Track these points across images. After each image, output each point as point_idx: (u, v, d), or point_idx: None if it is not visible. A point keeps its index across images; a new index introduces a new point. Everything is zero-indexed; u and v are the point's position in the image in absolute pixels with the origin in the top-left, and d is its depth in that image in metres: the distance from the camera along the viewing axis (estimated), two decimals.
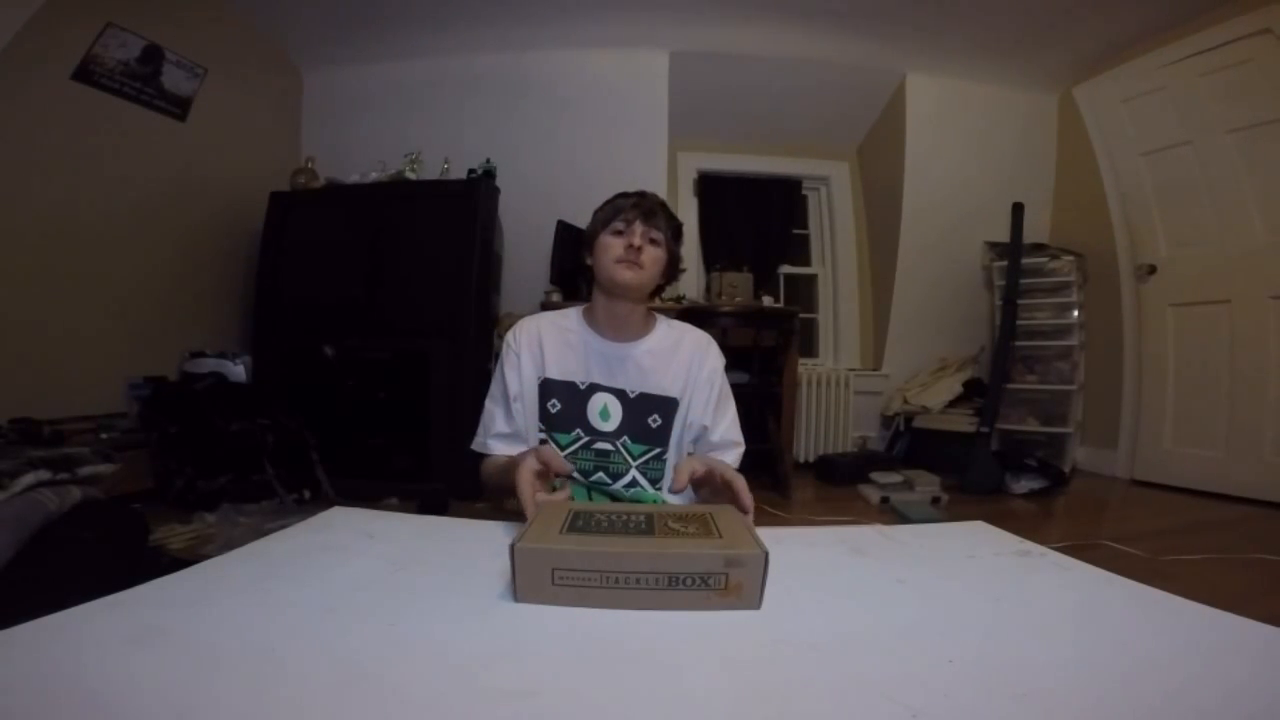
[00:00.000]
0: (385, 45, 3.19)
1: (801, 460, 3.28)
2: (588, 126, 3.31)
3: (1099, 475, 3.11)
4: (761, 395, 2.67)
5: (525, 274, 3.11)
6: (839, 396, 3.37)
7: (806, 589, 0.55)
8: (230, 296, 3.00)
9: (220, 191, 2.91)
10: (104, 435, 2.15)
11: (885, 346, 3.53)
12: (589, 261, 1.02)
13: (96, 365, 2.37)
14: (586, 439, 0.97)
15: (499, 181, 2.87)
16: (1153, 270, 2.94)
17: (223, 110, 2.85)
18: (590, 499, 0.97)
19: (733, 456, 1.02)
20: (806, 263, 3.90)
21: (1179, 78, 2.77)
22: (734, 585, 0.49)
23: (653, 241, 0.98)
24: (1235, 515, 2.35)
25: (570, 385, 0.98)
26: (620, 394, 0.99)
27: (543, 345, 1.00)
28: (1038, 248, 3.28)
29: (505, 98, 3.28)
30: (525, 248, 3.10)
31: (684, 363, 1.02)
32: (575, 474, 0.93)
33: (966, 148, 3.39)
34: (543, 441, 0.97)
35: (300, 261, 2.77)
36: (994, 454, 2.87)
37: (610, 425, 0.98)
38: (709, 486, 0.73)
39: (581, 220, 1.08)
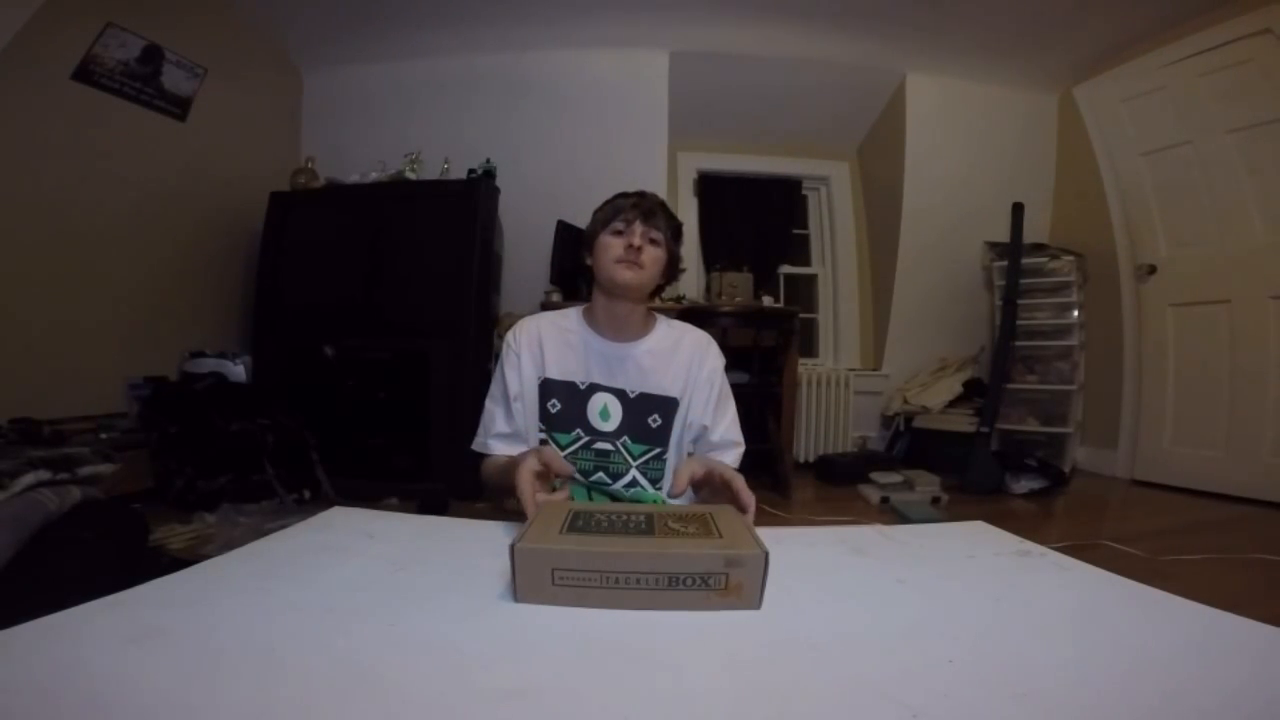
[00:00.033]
0: (385, 45, 3.19)
1: (801, 460, 3.28)
2: (588, 126, 3.31)
3: (1099, 475, 3.11)
4: (761, 395, 2.67)
5: (525, 274, 3.11)
6: (839, 396, 3.36)
7: (806, 589, 0.55)
8: (230, 296, 3.00)
9: (220, 191, 2.91)
10: (104, 435, 2.15)
11: (885, 346, 3.53)
12: (589, 262, 1.02)
13: (96, 365, 2.37)
14: (586, 439, 0.97)
15: (499, 181, 2.87)
16: (1153, 270, 2.94)
17: (223, 110, 2.85)
18: (590, 499, 0.97)
19: (733, 456, 1.02)
20: (806, 263, 3.90)
21: (1179, 78, 2.77)
22: (734, 585, 0.49)
23: (652, 241, 0.98)
24: (1235, 515, 2.35)
25: (570, 385, 0.98)
26: (620, 394, 0.99)
27: (543, 345, 1.00)
28: (1038, 248, 3.28)
29: (505, 98, 3.28)
30: (525, 248, 3.10)
31: (684, 363, 1.02)
32: (576, 474, 0.93)
33: (966, 148, 3.39)
34: (543, 442, 0.97)
35: (300, 261, 2.77)
36: (994, 454, 2.87)
37: (610, 425, 0.98)
38: (708, 487, 0.73)
39: (581, 220, 1.08)
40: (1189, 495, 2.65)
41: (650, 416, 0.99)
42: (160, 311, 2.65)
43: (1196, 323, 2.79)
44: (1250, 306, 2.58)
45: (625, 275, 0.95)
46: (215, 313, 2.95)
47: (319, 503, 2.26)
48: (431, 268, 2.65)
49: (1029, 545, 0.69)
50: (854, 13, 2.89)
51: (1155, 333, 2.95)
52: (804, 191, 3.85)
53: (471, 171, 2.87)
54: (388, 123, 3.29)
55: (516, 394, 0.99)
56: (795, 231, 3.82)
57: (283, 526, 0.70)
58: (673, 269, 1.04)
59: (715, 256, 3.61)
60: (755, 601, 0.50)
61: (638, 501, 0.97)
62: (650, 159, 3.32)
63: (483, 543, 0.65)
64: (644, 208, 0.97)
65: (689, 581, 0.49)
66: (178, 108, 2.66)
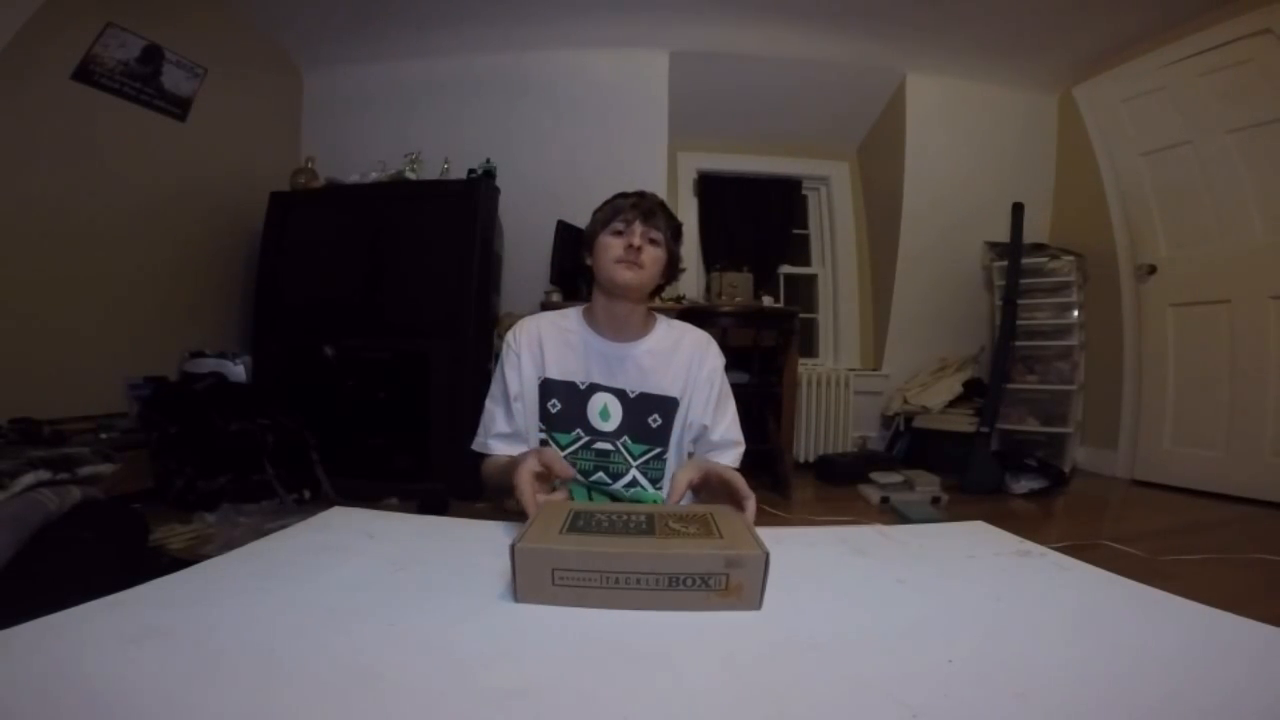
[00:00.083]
0: (385, 45, 3.19)
1: (801, 460, 3.28)
2: (588, 126, 3.31)
3: (1099, 475, 3.11)
4: (761, 395, 2.67)
5: (525, 274, 3.11)
6: (839, 396, 3.36)
7: (806, 589, 0.55)
8: (230, 296, 3.00)
9: (220, 191, 2.91)
10: (104, 435, 2.15)
11: (885, 346, 3.53)
12: (589, 262, 1.02)
13: (96, 365, 2.37)
14: (587, 439, 0.97)
15: (499, 181, 2.87)
16: (1153, 270, 2.94)
17: (223, 110, 2.85)
18: (590, 499, 0.97)
19: (733, 456, 1.02)
20: (806, 263, 3.90)
21: (1179, 78, 2.77)
22: (734, 585, 0.49)
23: (652, 241, 0.98)
24: (1235, 515, 2.35)
25: (570, 385, 0.98)
26: (620, 394, 0.99)
27: (543, 345, 1.00)
28: (1038, 248, 3.28)
29: (505, 98, 3.28)
30: (525, 248, 3.10)
31: (684, 362, 1.02)
32: (576, 476, 0.93)
33: (966, 148, 3.39)
34: (543, 442, 0.97)
35: (300, 261, 2.77)
36: (994, 454, 2.87)
37: (610, 425, 0.98)
38: (707, 489, 0.73)
39: (581, 220, 1.08)
40: (1189, 495, 2.65)
41: (650, 416, 0.99)
42: (160, 311, 2.65)
43: (1196, 323, 2.78)
44: (1250, 306, 2.58)
45: (625, 275, 0.95)
46: (215, 313, 2.95)
47: (319, 503, 2.26)
48: (431, 268, 2.65)
49: (1029, 545, 0.69)
50: (854, 13, 2.89)
51: (1155, 333, 2.95)
52: (804, 191, 3.85)
53: (471, 171, 2.87)
54: (388, 123, 3.29)
55: (516, 394, 0.99)
56: (795, 231, 3.82)
57: (283, 526, 0.70)
58: (673, 269, 1.04)
59: (715, 256, 3.61)
60: (756, 602, 0.50)
61: (638, 501, 0.97)
62: (650, 159, 3.32)
63: (483, 543, 0.65)
64: (644, 208, 0.97)
65: (689, 582, 0.49)
66: (178, 108, 2.66)
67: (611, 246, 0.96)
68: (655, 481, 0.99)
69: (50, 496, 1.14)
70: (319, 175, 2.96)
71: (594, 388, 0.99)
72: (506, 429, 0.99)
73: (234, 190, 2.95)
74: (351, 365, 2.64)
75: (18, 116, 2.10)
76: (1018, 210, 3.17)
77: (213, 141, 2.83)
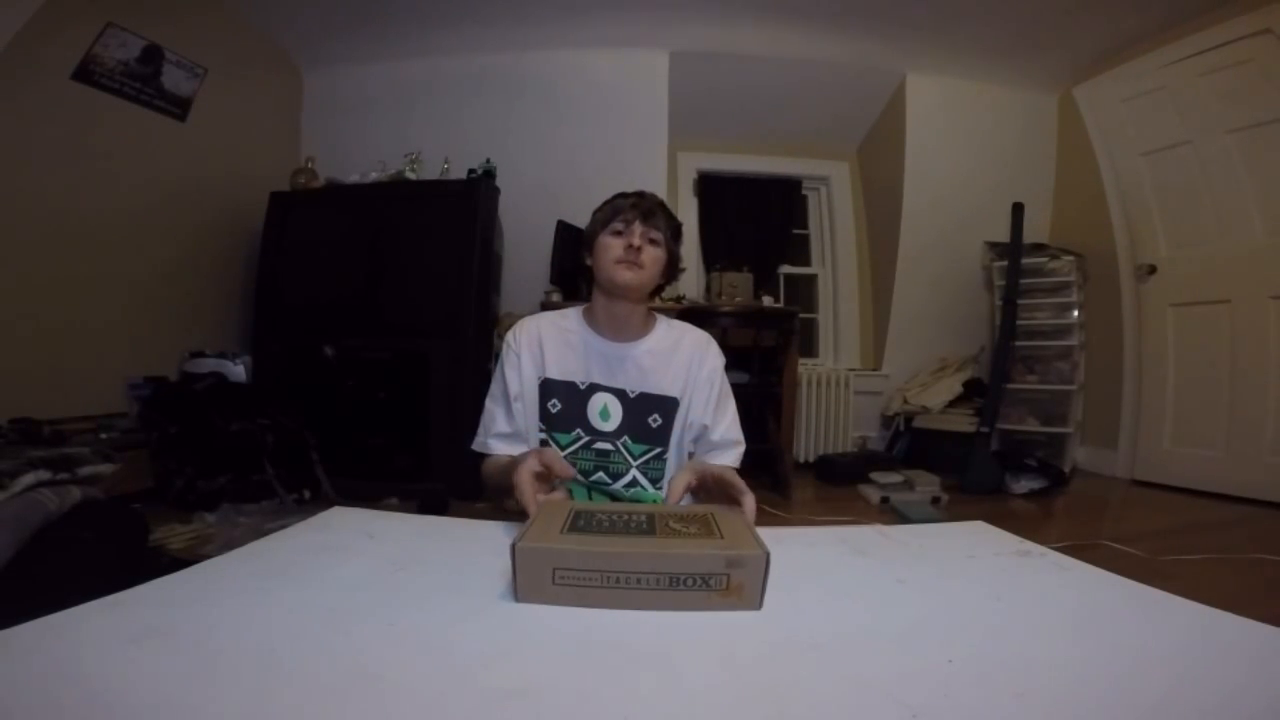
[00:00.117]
0: (385, 45, 3.19)
1: (801, 460, 3.28)
2: (588, 126, 3.31)
3: (1099, 475, 3.11)
4: (761, 395, 2.67)
5: (525, 274, 3.11)
6: (839, 396, 3.36)
7: (807, 589, 0.55)
8: (230, 296, 3.00)
9: (220, 191, 2.91)
10: (104, 435, 2.15)
11: (885, 346, 3.53)
12: (589, 262, 1.02)
13: (96, 365, 2.37)
14: (587, 439, 0.97)
15: (499, 181, 2.87)
16: (1153, 270, 2.94)
17: (223, 110, 2.85)
18: (590, 499, 0.97)
19: (733, 455, 1.02)
20: (806, 263, 3.90)
21: (1179, 78, 2.77)
22: (735, 586, 0.49)
23: (652, 241, 0.98)
24: (1235, 515, 2.35)
25: (570, 385, 0.98)
26: (620, 394, 0.99)
27: (543, 345, 1.00)
28: (1038, 248, 3.28)
29: (505, 98, 3.28)
30: (525, 248, 3.10)
31: (684, 362, 1.02)
32: (576, 476, 0.93)
33: (966, 148, 3.39)
34: (543, 442, 0.97)
35: (300, 261, 2.77)
36: (994, 454, 2.87)
37: (610, 425, 0.98)
38: (704, 490, 0.73)
39: (581, 220, 1.08)
40: (1189, 495, 2.65)
41: (650, 416, 0.99)
42: (160, 311, 2.65)
43: (1196, 323, 2.78)
44: (1250, 306, 2.58)
45: (625, 275, 0.95)
46: (215, 313, 2.95)
47: (319, 503, 2.26)
48: (431, 268, 2.65)
49: (1029, 545, 0.69)
50: (854, 13, 2.89)
51: (1155, 333, 2.95)
52: (804, 191, 3.85)
53: (471, 171, 2.87)
54: (388, 123, 3.29)
55: (517, 394, 0.99)
56: (795, 231, 3.82)
57: (283, 526, 0.70)
58: (673, 269, 1.04)
59: (715, 256, 3.61)
60: (756, 602, 0.50)
61: (638, 501, 0.97)
62: (650, 159, 3.32)
63: (483, 543, 0.65)
64: (643, 208, 0.97)
65: (690, 582, 0.49)
66: (178, 108, 2.66)
67: (611, 247, 0.96)
68: (655, 481, 0.99)
69: (50, 496, 1.14)
70: (319, 175, 2.96)
71: (594, 388, 0.99)
72: (507, 429, 0.98)
73: (234, 190, 2.95)
74: (351, 365, 2.64)
75: (18, 116, 2.10)
76: (1018, 210, 3.17)
77: (213, 141, 2.83)
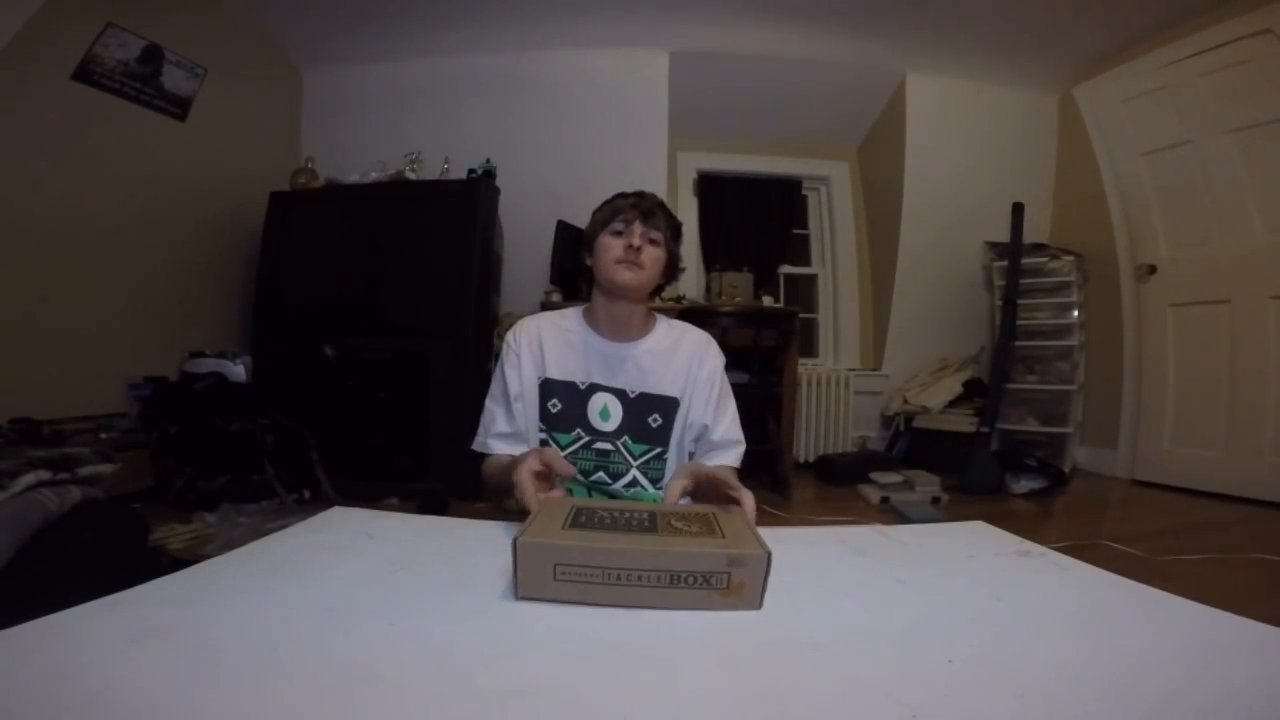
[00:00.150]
0: (385, 45, 3.19)
1: (801, 460, 3.28)
2: (588, 126, 3.31)
3: (1099, 475, 3.11)
4: (761, 395, 2.67)
5: (525, 274, 3.11)
6: (839, 396, 3.36)
7: (806, 589, 0.55)
8: (230, 296, 3.00)
9: (220, 191, 2.91)
10: (104, 435, 2.14)
11: (885, 346, 3.53)
12: (588, 262, 1.02)
13: (96, 365, 2.36)
14: (587, 439, 0.97)
15: (499, 181, 2.87)
16: (1153, 270, 2.94)
17: (223, 110, 2.85)
18: (590, 499, 0.97)
19: (733, 455, 1.02)
20: (806, 263, 3.90)
21: (1179, 78, 2.77)
22: (735, 585, 0.49)
23: (652, 241, 0.98)
24: (1235, 515, 2.35)
25: (570, 385, 0.98)
26: (620, 394, 0.99)
27: (543, 345, 1.00)
28: (1038, 248, 3.28)
29: (505, 98, 3.28)
30: (525, 248, 3.10)
31: (684, 362, 1.02)
32: (577, 475, 0.93)
33: (966, 148, 3.39)
34: (543, 442, 0.97)
35: (300, 261, 2.77)
36: (994, 454, 2.87)
37: (610, 425, 0.98)
38: (700, 493, 0.73)
39: (581, 220, 1.08)
40: (1189, 495, 2.65)
41: (650, 416, 0.99)
42: (160, 311, 2.65)
43: (1196, 323, 2.78)
44: (1250, 306, 2.58)
45: (625, 276, 0.95)
46: (215, 313, 2.95)
47: (319, 503, 2.26)
48: (431, 268, 2.65)
49: (1029, 545, 0.69)
50: (854, 13, 2.89)
51: (1155, 333, 2.95)
52: (804, 191, 3.85)
53: (471, 171, 2.87)
54: (388, 123, 3.29)
55: (517, 394, 0.99)
56: (795, 231, 3.82)
57: (283, 526, 0.70)
58: (672, 269, 1.04)
59: (715, 256, 3.61)
60: (756, 601, 0.50)
61: (639, 501, 0.97)
62: (650, 159, 3.32)
63: (483, 543, 0.65)
64: (643, 208, 0.97)
65: (691, 580, 0.49)
66: (178, 108, 2.66)
67: (611, 247, 0.96)
68: (655, 481, 0.99)
69: (50, 496, 1.14)
70: (319, 175, 2.96)
71: (594, 388, 0.99)
72: (507, 429, 0.99)
73: (234, 190, 2.94)
74: (351, 365, 2.64)
75: (18, 116, 2.10)
76: (1018, 210, 3.17)
77: (213, 141, 2.82)
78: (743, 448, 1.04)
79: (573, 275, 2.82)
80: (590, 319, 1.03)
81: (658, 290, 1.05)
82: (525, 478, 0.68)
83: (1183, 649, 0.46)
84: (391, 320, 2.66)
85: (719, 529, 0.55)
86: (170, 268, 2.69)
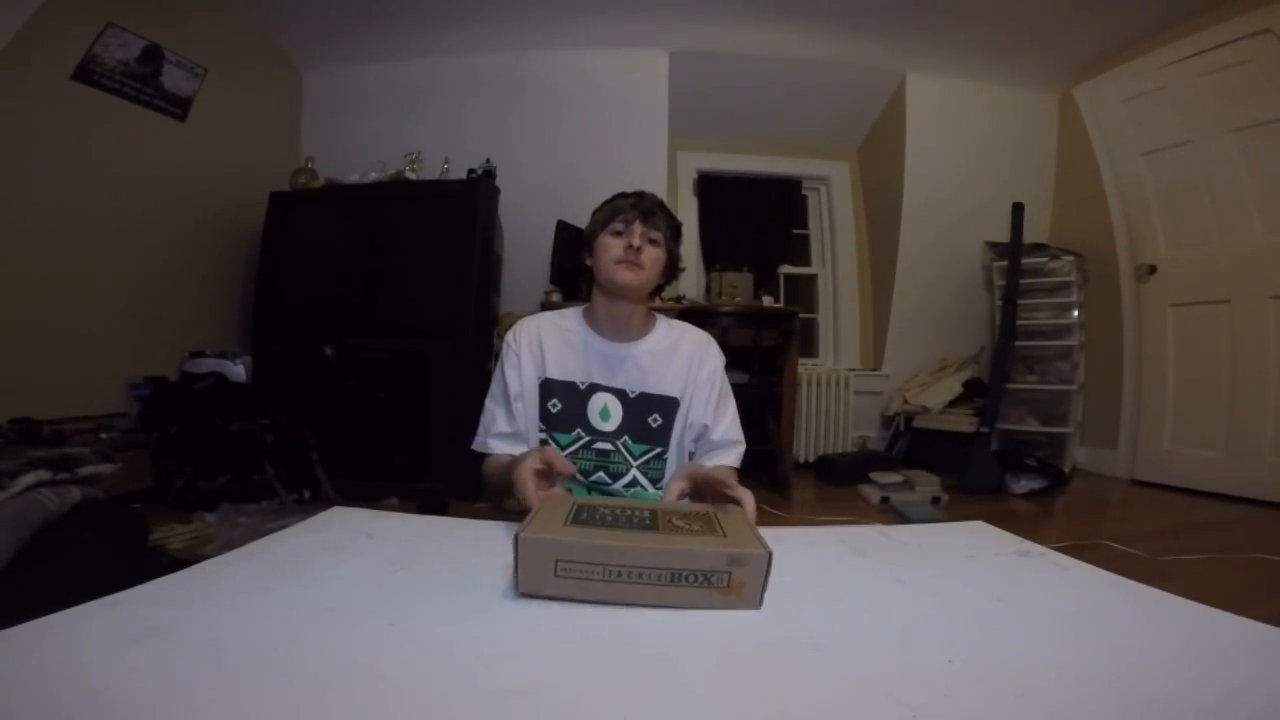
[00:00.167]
0: (385, 45, 3.19)
1: (801, 460, 3.28)
2: (588, 126, 3.31)
3: (1099, 475, 3.11)
4: (761, 395, 2.67)
5: (525, 274, 3.11)
6: (839, 396, 3.36)
7: (807, 589, 0.55)
8: (230, 296, 3.00)
9: (220, 191, 2.91)
10: (104, 435, 2.14)
11: (885, 346, 3.53)
12: (588, 262, 1.02)
13: (96, 365, 2.36)
14: (587, 439, 0.97)
15: (499, 181, 2.87)
16: (1153, 270, 2.94)
17: (223, 110, 2.85)
18: (591, 497, 0.97)
19: (733, 455, 1.03)
20: (806, 263, 3.90)
21: (1179, 78, 2.77)
22: (736, 584, 0.49)
23: (652, 242, 0.98)
24: (1235, 515, 2.35)
25: (570, 385, 0.98)
26: (620, 394, 0.99)
27: (543, 345, 1.00)
28: (1038, 248, 3.28)
29: (505, 98, 3.28)
30: (525, 248, 3.10)
31: (684, 362, 1.02)
32: (576, 475, 0.93)
33: (966, 148, 3.39)
34: (543, 442, 0.97)
35: (300, 261, 2.77)
36: (994, 454, 2.87)
37: (610, 425, 0.98)
38: (698, 495, 0.73)
39: (581, 220, 1.08)
40: (1189, 495, 2.65)
41: (650, 416, 0.99)
42: (160, 311, 2.65)
43: (1196, 323, 2.78)
44: (1250, 306, 2.58)
45: (625, 276, 0.95)
46: (215, 313, 2.95)
47: (319, 503, 2.26)
48: (431, 268, 2.65)
49: (1029, 545, 0.69)
50: (854, 13, 2.89)
51: (1155, 333, 2.95)
52: (804, 191, 3.85)
53: (471, 171, 2.87)
54: (388, 123, 3.29)
55: (517, 394, 0.99)
56: (795, 231, 3.82)
57: (283, 526, 0.70)
58: (672, 269, 1.04)
59: (715, 256, 3.60)
60: (756, 601, 0.50)
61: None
62: (650, 159, 3.32)
63: (483, 543, 0.65)
64: (643, 208, 0.97)
65: (691, 578, 0.49)
66: (178, 108, 2.66)
67: (611, 247, 0.96)
68: (655, 481, 0.99)
69: (50, 496, 1.14)
70: (319, 175, 2.96)
71: (594, 388, 0.99)
72: (507, 429, 0.99)
73: (234, 190, 2.94)
74: (351, 365, 2.64)
75: (18, 116, 2.10)
76: (1018, 210, 3.17)
77: (213, 141, 2.82)
78: (743, 448, 1.04)
79: (573, 275, 2.82)
80: (590, 319, 1.03)
81: (658, 290, 1.05)
82: (526, 476, 0.68)
83: (1183, 649, 0.45)
84: (391, 320, 2.66)
85: (720, 528, 0.55)
86: (170, 268, 2.69)
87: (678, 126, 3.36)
